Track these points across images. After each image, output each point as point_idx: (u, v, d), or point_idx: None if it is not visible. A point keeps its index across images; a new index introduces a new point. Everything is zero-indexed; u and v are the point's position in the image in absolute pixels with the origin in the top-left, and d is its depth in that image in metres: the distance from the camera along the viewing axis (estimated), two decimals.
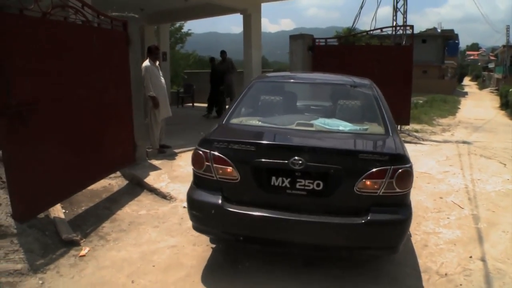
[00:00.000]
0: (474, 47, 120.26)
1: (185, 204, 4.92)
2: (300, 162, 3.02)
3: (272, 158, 3.14)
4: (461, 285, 3.32)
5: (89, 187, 5.27)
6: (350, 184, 3.03)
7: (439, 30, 46.10)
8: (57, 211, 4.51)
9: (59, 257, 3.71)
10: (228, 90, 11.81)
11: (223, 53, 12.25)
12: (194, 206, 3.35)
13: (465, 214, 4.92)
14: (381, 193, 3.03)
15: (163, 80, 7.13)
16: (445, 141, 10.01)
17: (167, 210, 4.89)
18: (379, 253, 3.39)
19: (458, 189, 5.90)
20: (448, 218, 4.76)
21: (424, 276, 3.44)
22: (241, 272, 3.49)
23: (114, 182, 5.84)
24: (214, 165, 3.23)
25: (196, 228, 3.44)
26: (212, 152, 3.23)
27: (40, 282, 3.31)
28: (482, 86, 58.29)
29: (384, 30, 10.60)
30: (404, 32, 10.50)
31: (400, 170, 3.01)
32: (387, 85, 8.81)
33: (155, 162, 6.56)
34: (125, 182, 5.92)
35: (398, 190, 3.04)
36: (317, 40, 10.24)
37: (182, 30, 29.45)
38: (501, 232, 4.39)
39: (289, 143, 3.45)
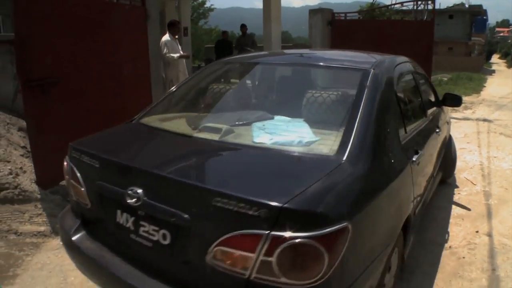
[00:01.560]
0: (505, 23, 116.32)
1: None
2: (137, 195, 1.89)
3: (113, 182, 2.08)
4: (464, 257, 3.39)
5: None
6: (203, 248, 1.71)
7: (466, 6, 44.75)
8: None
9: None
10: None
11: (243, 27, 11.86)
12: (59, 231, 2.66)
13: (476, 190, 4.96)
14: (253, 278, 1.63)
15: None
16: (465, 119, 9.92)
17: None
18: None
19: (473, 166, 5.91)
20: (459, 193, 4.81)
21: (428, 247, 3.52)
22: None
23: None
24: (71, 181, 2.37)
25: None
26: (70, 164, 2.38)
27: (61, 243, 3.51)
28: (511, 64, 56.64)
29: (405, 4, 10.43)
30: (426, 7, 10.29)
31: (288, 243, 1.55)
32: None
33: None
34: None
35: (285, 280, 1.59)
36: (336, 15, 10.16)
37: (205, 5, 29.39)
38: (509, 207, 4.43)
39: (129, 162, 2.16)
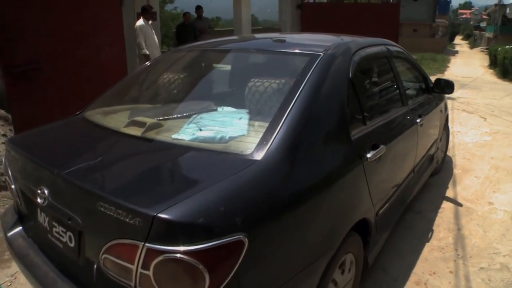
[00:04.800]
0: (467, 5, 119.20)
1: None
2: (44, 196, 1.80)
3: (29, 181, 2.01)
4: (433, 220, 3.72)
5: None
6: (95, 254, 1.58)
7: None
8: None
9: None
10: None
11: (199, 8, 10.05)
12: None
13: None
14: None
15: (156, 39, 7.31)
16: None
17: None
18: None
19: None
20: None
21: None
22: None
23: None
24: (6, 177, 2.30)
25: None
26: (4, 160, 2.31)
27: None
28: (473, 45, 58.17)
29: None
30: None
31: (163, 257, 1.36)
32: None
33: None
34: None
35: None
36: None
37: None
38: (474, 177, 4.78)
39: (41, 161, 2.01)
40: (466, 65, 23.76)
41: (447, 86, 3.99)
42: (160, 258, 1.35)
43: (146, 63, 3.28)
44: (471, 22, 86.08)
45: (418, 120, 3.26)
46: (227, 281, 1.39)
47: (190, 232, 1.36)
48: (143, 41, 6.89)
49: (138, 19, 7.14)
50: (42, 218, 1.92)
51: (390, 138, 2.65)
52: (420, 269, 2.97)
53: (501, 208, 3.96)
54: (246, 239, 1.41)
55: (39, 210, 1.94)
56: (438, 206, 3.98)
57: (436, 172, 4.70)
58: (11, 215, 2.29)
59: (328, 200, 1.92)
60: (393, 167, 2.80)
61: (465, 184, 4.56)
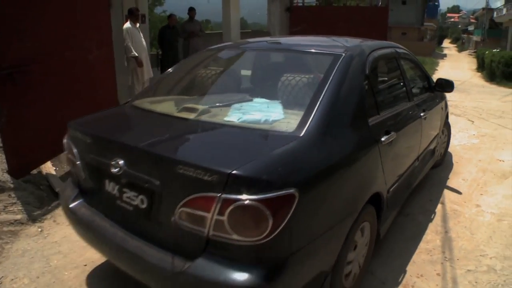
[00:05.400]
0: (455, 9, 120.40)
1: None
2: (120, 165, 2.15)
3: (100, 155, 2.36)
4: (420, 222, 3.73)
5: None
6: (171, 210, 1.94)
7: None
8: (48, 168, 4.76)
9: (54, 208, 3.99)
10: None
11: (191, 10, 9.75)
12: (60, 201, 2.91)
13: None
14: (211, 235, 1.85)
15: (144, 41, 7.28)
16: None
17: None
18: None
19: None
20: None
21: None
22: None
23: None
24: (69, 155, 2.64)
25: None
26: (68, 140, 2.64)
27: (39, 229, 3.60)
28: (461, 49, 58.85)
29: None
30: None
31: (236, 204, 1.75)
32: None
33: None
34: None
35: (236, 237, 1.79)
36: (294, 1, 10.39)
37: None
38: (461, 180, 4.82)
39: (114, 137, 2.44)
40: (454, 68, 24.03)
41: (448, 85, 4.42)
42: (234, 205, 1.75)
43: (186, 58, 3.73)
44: (459, 26, 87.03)
45: (421, 114, 3.67)
46: (283, 225, 1.77)
47: (257, 185, 1.75)
48: (131, 43, 6.86)
49: (125, 21, 7.12)
50: (111, 187, 2.29)
51: (399, 127, 3.06)
52: (407, 272, 2.98)
53: (488, 211, 3.99)
54: (297, 194, 1.81)
55: (107, 181, 2.32)
56: (426, 209, 3.99)
57: (438, 164, 5.08)
58: (71, 190, 2.67)
59: (352, 171, 2.35)
60: (401, 152, 3.20)
61: (453, 187, 4.58)
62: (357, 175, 2.42)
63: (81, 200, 2.57)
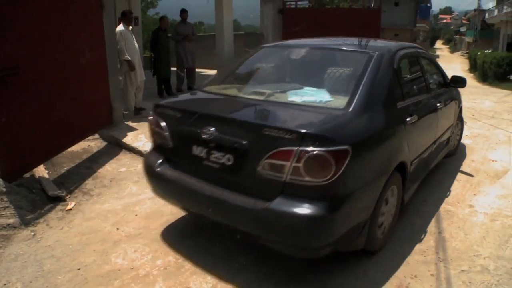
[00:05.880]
0: (447, 10, 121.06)
1: None
2: (210, 132, 2.79)
3: (191, 126, 2.96)
4: (414, 223, 3.73)
5: (69, 149, 5.49)
6: (255, 163, 2.60)
7: None
8: (41, 171, 4.74)
9: (47, 211, 3.97)
10: (192, 59, 9.71)
11: (183, 12, 9.58)
12: (143, 167, 3.47)
13: None
14: (288, 180, 2.51)
15: (136, 44, 7.25)
16: None
17: None
18: (290, 251, 2.74)
19: None
20: None
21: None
22: None
23: (93, 143, 6.06)
24: (156, 129, 3.26)
25: (152, 190, 3.44)
26: (155, 117, 3.28)
27: (32, 234, 3.57)
28: (453, 50, 59.21)
29: None
30: None
31: (308, 154, 2.44)
32: None
33: (132, 124, 6.75)
34: (104, 143, 6.13)
35: (308, 179, 2.47)
36: (287, 3, 10.41)
37: None
38: (455, 180, 4.83)
39: (204, 111, 3.12)
40: (447, 69, 23.84)
41: (461, 82, 5.01)
42: (308, 155, 2.44)
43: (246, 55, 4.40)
44: (452, 27, 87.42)
45: (438, 105, 4.25)
46: (341, 171, 2.46)
47: (324, 141, 2.47)
48: (124, 46, 6.83)
49: (118, 24, 7.09)
50: (199, 150, 2.92)
51: (419, 113, 3.64)
52: (401, 273, 2.98)
53: (482, 211, 4.00)
54: (350, 149, 2.50)
55: (195, 146, 2.94)
56: (419, 210, 3.99)
57: (452, 154, 5.55)
58: (155, 157, 3.29)
59: (385, 139, 3.06)
60: (421, 133, 3.77)
61: (446, 187, 4.59)
62: (389, 143, 3.11)
63: (166, 165, 3.19)
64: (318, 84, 3.48)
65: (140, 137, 6.08)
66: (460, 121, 5.72)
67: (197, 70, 10.58)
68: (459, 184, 4.70)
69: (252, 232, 2.76)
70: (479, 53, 21.92)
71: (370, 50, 3.50)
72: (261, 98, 3.23)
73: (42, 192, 4.29)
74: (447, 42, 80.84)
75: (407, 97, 3.59)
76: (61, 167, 5.13)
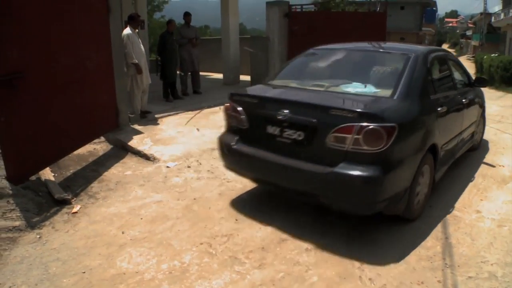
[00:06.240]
0: (453, 14, 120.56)
1: (169, 164, 5.25)
2: (285, 114, 3.50)
3: (267, 109, 3.73)
4: (420, 228, 3.71)
5: (75, 152, 5.50)
6: (323, 136, 3.29)
7: None
8: (47, 174, 4.75)
9: (53, 214, 3.98)
10: (196, 63, 9.73)
11: (187, 15, 9.64)
12: (219, 147, 4.20)
13: None
14: (349, 149, 3.19)
15: (142, 47, 7.28)
16: None
17: (151, 170, 5.17)
18: (349, 209, 3.42)
19: None
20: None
21: (387, 222, 3.79)
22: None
23: (99, 147, 6.07)
24: (233, 113, 3.99)
25: (224, 166, 4.24)
26: (232, 104, 4.02)
27: (38, 236, 3.58)
28: (460, 53, 58.87)
29: None
30: None
31: (366, 128, 3.13)
32: None
33: (138, 127, 6.78)
34: (110, 146, 6.15)
35: (366, 147, 3.15)
36: (293, 7, 10.41)
37: None
38: (462, 186, 4.78)
39: (279, 97, 3.92)
40: None
41: (483, 82, 5.76)
42: (366, 129, 3.15)
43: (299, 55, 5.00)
44: (458, 31, 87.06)
45: (463, 100, 4.92)
46: (390, 142, 3.16)
47: (378, 119, 3.17)
48: (132, 50, 6.85)
49: (125, 27, 7.12)
50: (273, 129, 3.62)
51: (448, 105, 4.29)
52: (408, 279, 2.96)
53: (489, 217, 3.97)
54: (397, 126, 3.19)
55: (269, 126, 3.64)
56: (425, 215, 3.97)
57: (475, 148, 6.06)
58: (230, 137, 4.01)
59: (422, 123, 3.70)
60: (449, 123, 4.37)
61: (452, 192, 4.56)
62: (424, 126, 3.73)
63: (241, 143, 3.89)
64: (364, 80, 4.07)
65: (145, 141, 6.09)
66: (483, 118, 6.29)
67: (203, 73, 10.62)
68: (466, 189, 4.66)
69: (318, 193, 3.41)
70: (485, 56, 21.78)
71: (408, 52, 4.19)
72: (322, 89, 4.00)
73: (48, 195, 4.30)
74: (453, 45, 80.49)
75: (438, 91, 4.26)
76: (67, 170, 5.14)
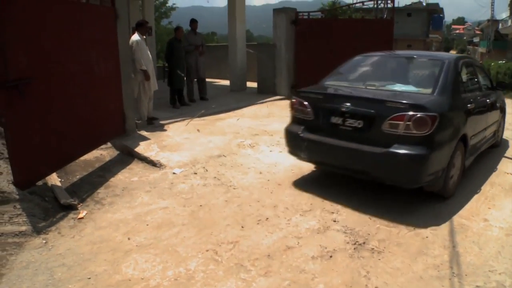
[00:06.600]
0: (460, 21, 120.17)
1: (175, 170, 5.25)
2: (347, 106, 4.29)
3: (331, 103, 4.53)
4: (427, 237, 3.67)
5: (82, 158, 5.52)
6: (380, 124, 4.09)
7: (424, 4, 46.19)
8: (54, 179, 4.77)
9: (59, 220, 3.99)
10: (202, 70, 9.86)
11: (194, 22, 9.74)
12: (287, 135, 4.99)
13: None
14: (401, 133, 3.99)
15: (149, 54, 7.31)
16: None
17: (158, 176, 5.18)
18: (401, 182, 4.19)
19: None
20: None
21: (394, 231, 3.79)
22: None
23: (105, 152, 6.09)
24: (300, 107, 4.79)
25: (289, 152, 5.02)
26: (299, 99, 4.82)
27: (44, 241, 3.59)
28: None
29: (365, 3, 10.80)
30: (386, 6, 10.70)
31: (415, 116, 3.93)
32: None
33: (145, 133, 6.80)
34: (116, 152, 6.17)
35: (415, 131, 3.95)
36: (300, 14, 10.43)
37: (167, 5, 29.20)
38: (469, 193, 4.74)
39: (342, 93, 4.72)
40: None
41: (504, 85, 6.87)
42: (415, 117, 3.93)
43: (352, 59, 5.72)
44: (465, 37, 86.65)
45: (487, 101, 5.65)
46: (433, 128, 3.93)
47: (424, 109, 3.96)
48: (141, 56, 6.89)
49: (133, 33, 7.15)
50: (336, 119, 4.41)
51: (475, 103, 5.03)
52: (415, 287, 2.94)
53: (497, 225, 3.93)
54: (438, 116, 3.95)
55: (332, 117, 4.43)
56: (432, 223, 3.94)
57: (497, 145, 6.73)
58: (297, 127, 4.80)
59: (456, 115, 4.47)
60: (476, 119, 5.05)
61: (460, 200, 4.52)
62: (457, 118, 4.49)
63: (306, 132, 4.67)
64: (406, 81, 4.92)
65: (152, 147, 6.11)
66: (503, 119, 6.95)
67: (209, 80, 10.63)
68: (473, 197, 4.62)
69: (374, 170, 4.17)
70: (492, 63, 21.67)
71: (442, 59, 5.03)
72: (374, 88, 4.81)
73: (54, 200, 4.32)
74: (460, 52, 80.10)
75: (467, 91, 5.05)
76: (73, 175, 5.16)
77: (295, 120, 4.91)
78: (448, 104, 4.34)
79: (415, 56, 5.54)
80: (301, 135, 4.64)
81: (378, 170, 4.13)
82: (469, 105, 4.77)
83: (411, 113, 3.92)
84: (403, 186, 4.27)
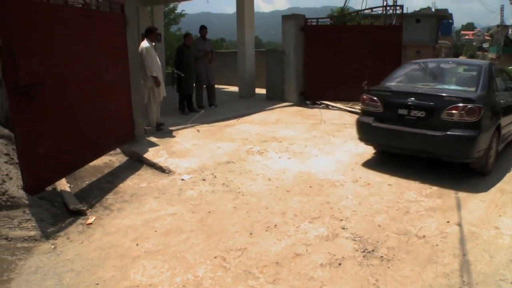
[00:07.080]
0: (469, 27, 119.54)
1: (184, 177, 5.26)
2: (412, 100, 5.42)
3: (398, 98, 5.62)
4: (437, 245, 3.63)
5: (91, 163, 5.56)
6: (439, 113, 5.20)
7: (433, 10, 46.04)
8: (63, 185, 4.80)
9: (68, 225, 4.02)
10: (212, 76, 9.91)
11: (203, 28, 9.81)
12: (358, 125, 6.07)
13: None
14: (456, 120, 5.10)
15: (159, 60, 7.35)
16: None
17: (166, 183, 5.20)
18: (457, 157, 5.28)
19: None
20: (430, 188, 5.07)
21: (403, 238, 3.75)
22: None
23: (114, 158, 6.13)
24: (371, 102, 5.90)
25: (360, 139, 6.16)
26: (369, 95, 5.93)
27: (53, 247, 3.61)
28: None
29: (374, 10, 10.78)
30: (394, 12, 10.68)
31: (467, 107, 5.05)
32: (376, 63, 9.08)
33: (153, 139, 6.82)
34: (125, 158, 6.21)
35: (467, 118, 5.05)
36: (309, 20, 10.43)
37: (176, 11, 29.38)
38: (479, 201, 4.69)
39: (407, 90, 5.78)
40: None
41: None
42: (467, 107, 5.10)
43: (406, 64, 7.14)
44: (474, 43, 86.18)
45: None
46: (480, 116, 5.08)
47: (473, 101, 5.13)
48: (151, 63, 6.93)
49: (141, 40, 7.20)
50: (402, 111, 5.51)
51: (506, 100, 6.13)
52: None
53: (508, 233, 3.88)
54: (483, 106, 5.13)
55: (399, 109, 5.53)
56: (442, 231, 3.90)
57: None
58: (367, 118, 5.89)
59: (494, 108, 5.55)
60: (507, 112, 6.08)
61: (470, 208, 4.47)
62: (495, 110, 5.57)
63: (376, 122, 5.74)
64: (452, 82, 6.14)
65: (161, 153, 6.13)
66: None
67: (218, 86, 10.65)
68: (483, 205, 4.57)
69: (434, 149, 5.29)
70: None
71: (480, 64, 6.32)
72: (429, 87, 5.93)
73: (63, 205, 4.35)
74: (469, 58, 79.81)
75: (499, 90, 6.09)
76: (82, 181, 5.19)
77: (365, 113, 6.04)
78: (488, 99, 5.45)
79: (455, 63, 7.18)
80: (373, 124, 5.75)
81: (438, 148, 5.23)
82: (502, 101, 5.91)
83: (464, 104, 5.04)
84: (457, 161, 5.36)
